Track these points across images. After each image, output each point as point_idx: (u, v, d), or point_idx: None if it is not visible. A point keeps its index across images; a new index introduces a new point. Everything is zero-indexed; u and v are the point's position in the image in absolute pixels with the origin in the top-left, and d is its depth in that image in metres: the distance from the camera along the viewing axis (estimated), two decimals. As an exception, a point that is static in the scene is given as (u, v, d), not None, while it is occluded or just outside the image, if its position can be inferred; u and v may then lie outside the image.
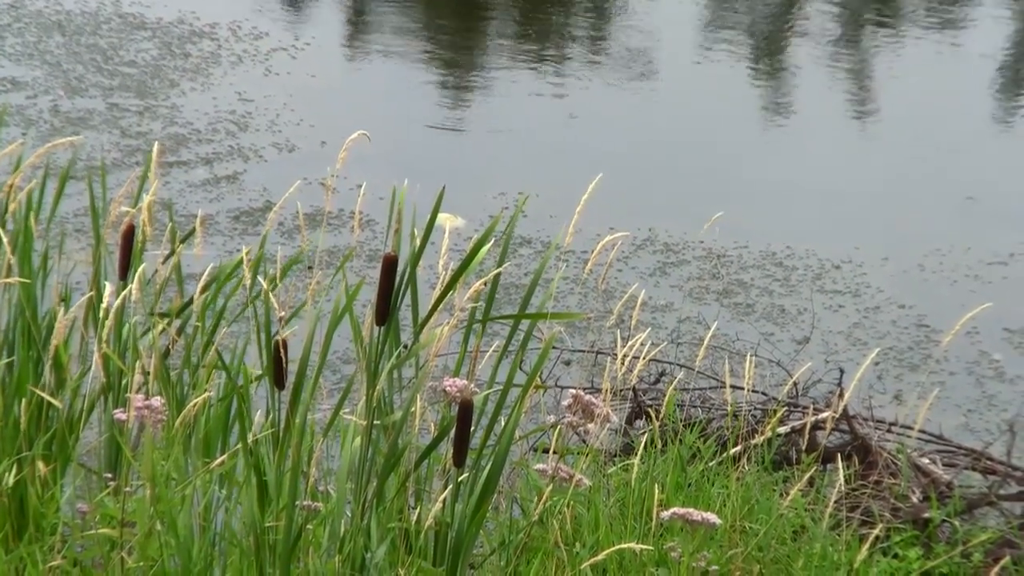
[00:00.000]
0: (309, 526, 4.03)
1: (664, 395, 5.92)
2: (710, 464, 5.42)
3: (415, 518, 4.10)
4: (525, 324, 4.29)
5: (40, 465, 4.39)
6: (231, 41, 12.35)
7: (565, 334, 7.50)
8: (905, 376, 7.77)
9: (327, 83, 11.88)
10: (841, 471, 5.17)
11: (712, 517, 4.02)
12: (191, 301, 4.68)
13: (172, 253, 4.79)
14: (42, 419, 4.64)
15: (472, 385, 3.95)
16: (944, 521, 5.61)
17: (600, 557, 4.05)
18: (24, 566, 4.12)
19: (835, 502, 5.05)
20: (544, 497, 4.29)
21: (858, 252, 9.18)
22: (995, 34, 14.72)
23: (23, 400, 4.45)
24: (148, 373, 4.33)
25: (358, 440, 3.95)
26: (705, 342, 5.70)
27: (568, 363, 7.13)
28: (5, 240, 4.63)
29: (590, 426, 4.27)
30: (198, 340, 4.73)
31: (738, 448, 5.66)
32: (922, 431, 6.25)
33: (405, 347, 4.03)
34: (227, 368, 4.43)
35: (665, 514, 4.06)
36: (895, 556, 5.30)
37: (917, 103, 12.42)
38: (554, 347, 6.63)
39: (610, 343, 6.70)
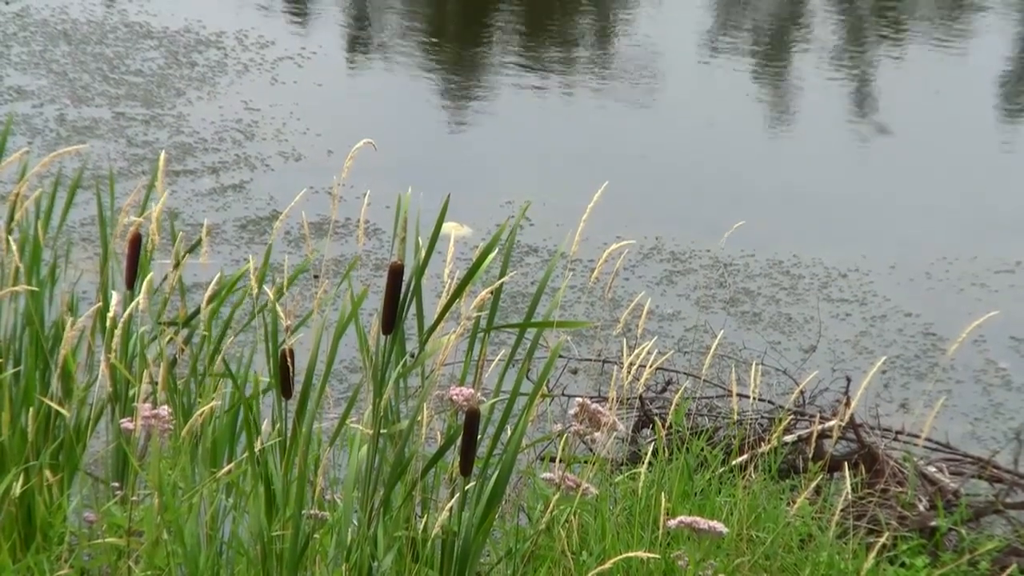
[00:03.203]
0: (316, 535, 4.03)
1: (671, 404, 5.92)
2: (717, 473, 5.41)
3: (422, 527, 4.10)
4: (531, 333, 4.28)
5: (47, 474, 4.39)
6: (237, 50, 12.37)
7: (572, 343, 7.50)
8: (912, 384, 7.77)
9: (333, 92, 11.90)
10: (848, 479, 5.17)
11: (719, 526, 4.02)
12: (198, 311, 4.68)
13: (178, 263, 4.79)
14: (49, 428, 4.65)
15: (478, 394, 3.95)
16: (951, 529, 5.61)
17: (607, 566, 4.04)
18: (31, 575, 4.12)
19: (842, 510, 5.04)
20: (551, 506, 4.29)
21: (865, 260, 9.18)
22: (1001, 43, 14.72)
23: (31, 409, 4.44)
24: (155, 382, 4.33)
25: (365, 449, 3.95)
26: (712, 351, 5.70)
27: (575, 372, 7.12)
28: (14, 248, 4.63)
29: (597, 435, 4.27)
30: (205, 349, 4.73)
31: (745, 457, 5.66)
32: (929, 439, 6.24)
33: (411, 356, 4.03)
34: (234, 377, 4.43)
35: (672, 523, 4.05)
36: (902, 564, 5.29)
37: (923, 111, 12.42)
38: (561, 356, 6.63)
39: (616, 352, 6.70)
